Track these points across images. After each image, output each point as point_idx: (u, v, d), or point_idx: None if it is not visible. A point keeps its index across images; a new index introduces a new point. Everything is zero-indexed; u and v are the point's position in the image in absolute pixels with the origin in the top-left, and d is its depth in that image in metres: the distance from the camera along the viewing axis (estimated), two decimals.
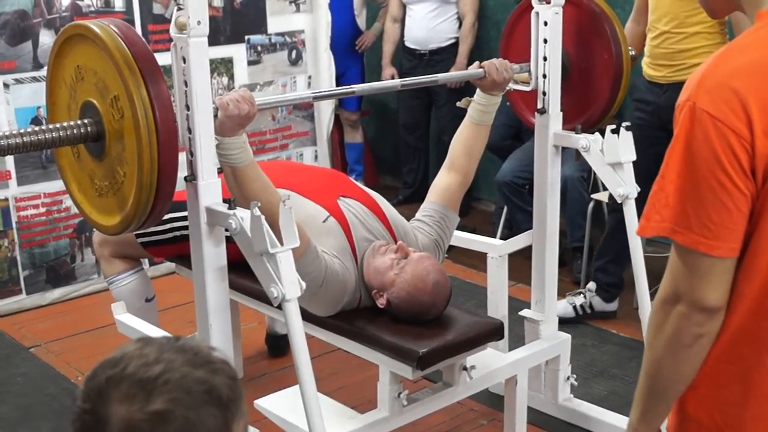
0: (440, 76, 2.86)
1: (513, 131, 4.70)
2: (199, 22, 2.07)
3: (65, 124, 2.08)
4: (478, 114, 2.75)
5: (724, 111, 1.27)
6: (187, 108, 2.13)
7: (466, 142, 2.76)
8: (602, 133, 2.79)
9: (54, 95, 2.26)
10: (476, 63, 2.72)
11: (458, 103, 2.80)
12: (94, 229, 2.49)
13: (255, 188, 2.24)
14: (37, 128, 2.04)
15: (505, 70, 2.69)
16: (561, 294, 3.46)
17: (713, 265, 1.31)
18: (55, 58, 2.20)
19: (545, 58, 2.81)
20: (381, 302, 2.50)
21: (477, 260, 3.80)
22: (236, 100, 2.16)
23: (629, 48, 2.95)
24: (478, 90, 2.75)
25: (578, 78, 2.96)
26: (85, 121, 2.10)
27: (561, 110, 2.91)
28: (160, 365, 0.95)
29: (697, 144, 1.28)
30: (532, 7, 2.82)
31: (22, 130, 2.03)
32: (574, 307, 3.80)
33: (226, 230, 2.16)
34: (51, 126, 2.07)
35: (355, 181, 2.92)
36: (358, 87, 2.68)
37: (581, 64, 2.94)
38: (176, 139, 2.06)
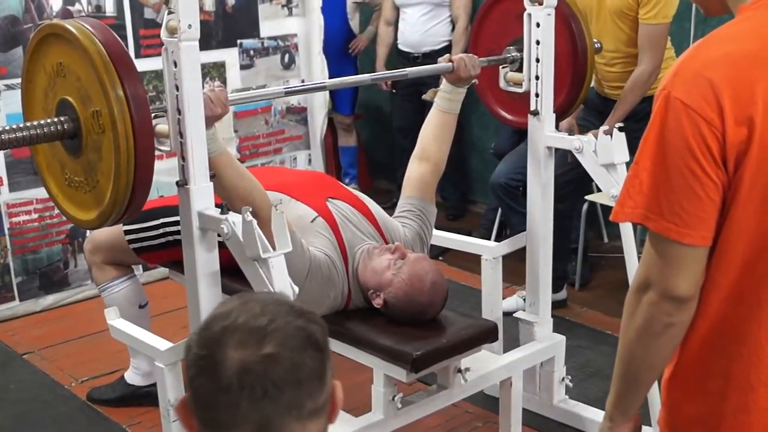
0: (410, 70, 2.88)
1: (518, 137, 4.70)
2: (190, 26, 2.06)
3: (42, 122, 2.08)
4: (445, 102, 2.79)
5: (698, 100, 1.28)
6: (179, 112, 2.12)
7: (434, 130, 2.80)
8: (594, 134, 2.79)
9: (31, 83, 2.25)
10: (447, 56, 2.78)
11: (424, 96, 2.84)
12: (86, 236, 2.49)
13: (229, 175, 2.26)
14: (14, 126, 2.04)
15: (472, 67, 2.73)
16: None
17: (684, 253, 1.32)
18: (36, 45, 2.18)
19: (538, 60, 2.81)
20: (378, 302, 2.50)
21: (471, 262, 3.80)
22: (210, 101, 2.18)
23: (594, 41, 2.96)
24: (443, 80, 2.79)
25: None
26: (62, 119, 2.09)
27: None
28: (266, 316, 1.07)
29: (670, 132, 1.30)
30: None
31: None
32: (525, 300, 3.79)
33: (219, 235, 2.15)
34: (28, 124, 2.07)
35: (343, 184, 2.93)
36: (329, 82, 2.68)
37: None
38: (152, 134, 2.06)
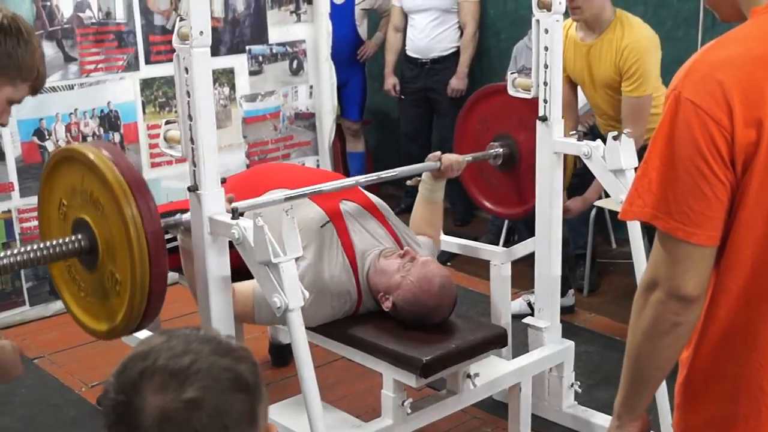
0: (399, 170, 2.90)
1: None
2: (201, 33, 2.08)
3: (60, 241, 2.15)
4: (429, 193, 2.91)
5: (707, 101, 1.29)
6: (190, 118, 2.13)
7: (424, 219, 2.90)
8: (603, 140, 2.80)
9: (47, 206, 2.33)
10: (437, 153, 2.89)
11: (408, 182, 2.96)
12: None
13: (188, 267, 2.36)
14: (34, 246, 2.10)
15: (458, 170, 2.89)
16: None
17: (691, 253, 1.33)
18: (54, 164, 2.26)
19: (546, 66, 2.82)
20: (387, 305, 2.51)
21: (480, 268, 3.80)
22: None
23: (572, 132, 3.06)
24: (425, 173, 2.90)
25: (525, 169, 3.07)
26: (79, 236, 2.16)
27: (502, 198, 3.20)
28: (189, 356, 0.99)
29: (680, 132, 1.31)
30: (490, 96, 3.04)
31: (18, 249, 2.09)
32: (529, 304, 3.80)
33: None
34: (47, 243, 2.13)
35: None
36: (327, 185, 2.63)
37: (530, 156, 3.02)
38: (165, 257, 2.12)
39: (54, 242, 2.13)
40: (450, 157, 2.87)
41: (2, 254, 2.07)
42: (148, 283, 2.07)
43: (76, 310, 2.35)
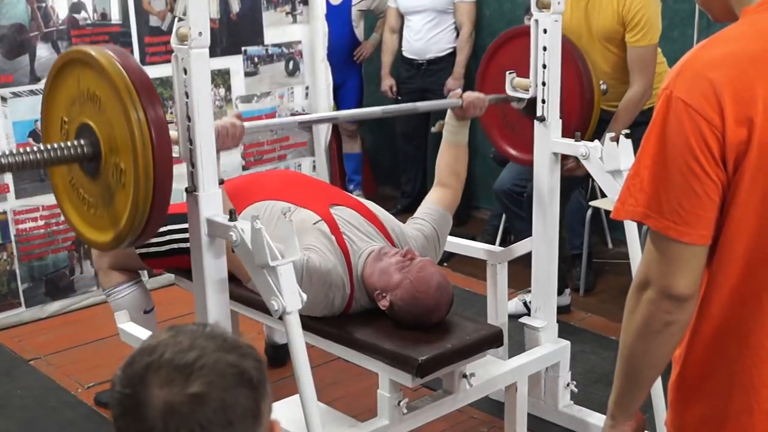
0: (420, 105, 2.91)
1: None
2: (200, 33, 2.08)
3: (62, 144, 2.11)
4: (452, 136, 2.87)
5: (699, 100, 1.30)
6: (188, 119, 2.14)
7: (449, 164, 2.87)
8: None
9: (50, 111, 2.29)
10: (458, 91, 2.85)
11: (432, 129, 2.92)
12: None
13: None
14: (34, 148, 2.07)
15: (480, 108, 2.83)
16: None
17: (683, 252, 1.34)
18: (61, 67, 2.21)
19: (544, 66, 2.83)
20: (383, 304, 2.51)
21: (476, 269, 3.81)
22: (226, 135, 2.24)
23: (601, 82, 3.04)
24: (449, 112, 2.86)
25: None
26: (82, 141, 2.12)
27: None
28: (194, 351, 1.01)
29: (671, 131, 1.32)
30: (530, 18, 2.87)
31: (19, 150, 2.05)
32: (525, 304, 3.81)
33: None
34: (48, 146, 2.09)
35: (347, 192, 2.95)
36: (342, 113, 2.69)
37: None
38: (171, 161, 2.09)
39: (56, 145, 2.09)
40: (471, 95, 2.82)
41: (2, 153, 2.03)
42: (152, 168, 2.02)
43: (80, 226, 2.29)
